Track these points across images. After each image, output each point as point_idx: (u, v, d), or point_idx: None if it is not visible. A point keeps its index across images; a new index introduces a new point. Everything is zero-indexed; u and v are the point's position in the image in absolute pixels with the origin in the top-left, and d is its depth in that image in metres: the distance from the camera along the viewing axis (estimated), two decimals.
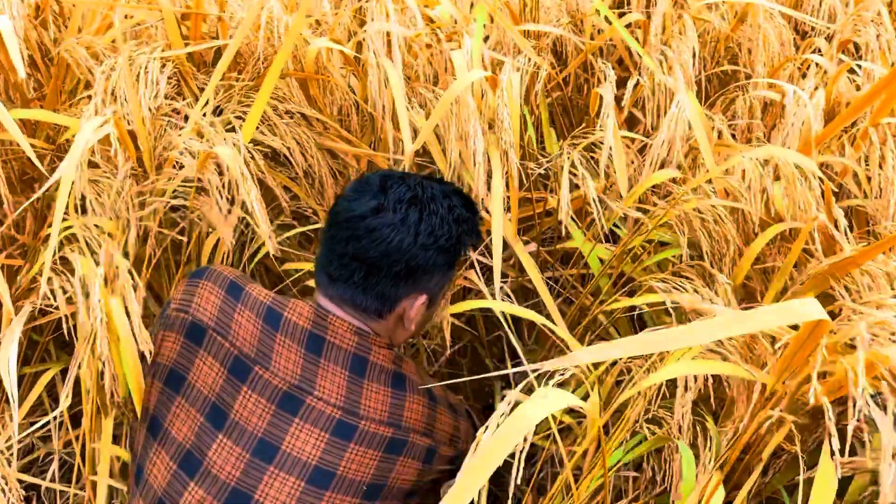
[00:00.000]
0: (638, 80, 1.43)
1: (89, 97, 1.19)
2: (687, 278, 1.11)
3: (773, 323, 0.69)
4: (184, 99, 1.32)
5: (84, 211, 1.18)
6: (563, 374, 0.85)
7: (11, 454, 1.14)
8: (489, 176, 1.24)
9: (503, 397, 0.75)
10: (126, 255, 1.18)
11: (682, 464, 0.97)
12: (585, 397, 0.82)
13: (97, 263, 1.04)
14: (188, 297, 1.11)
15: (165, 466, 1.05)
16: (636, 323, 1.38)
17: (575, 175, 1.27)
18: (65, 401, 1.09)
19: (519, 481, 0.70)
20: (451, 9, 1.45)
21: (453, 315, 1.27)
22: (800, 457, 0.91)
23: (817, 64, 1.48)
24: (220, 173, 1.14)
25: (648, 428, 1.03)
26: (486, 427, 0.69)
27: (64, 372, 1.43)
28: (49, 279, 1.15)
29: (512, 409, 0.68)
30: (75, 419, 1.45)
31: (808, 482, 0.85)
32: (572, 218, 1.33)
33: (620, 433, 1.01)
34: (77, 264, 1.03)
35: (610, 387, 1.10)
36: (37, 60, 1.37)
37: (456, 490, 0.63)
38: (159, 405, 1.09)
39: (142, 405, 1.10)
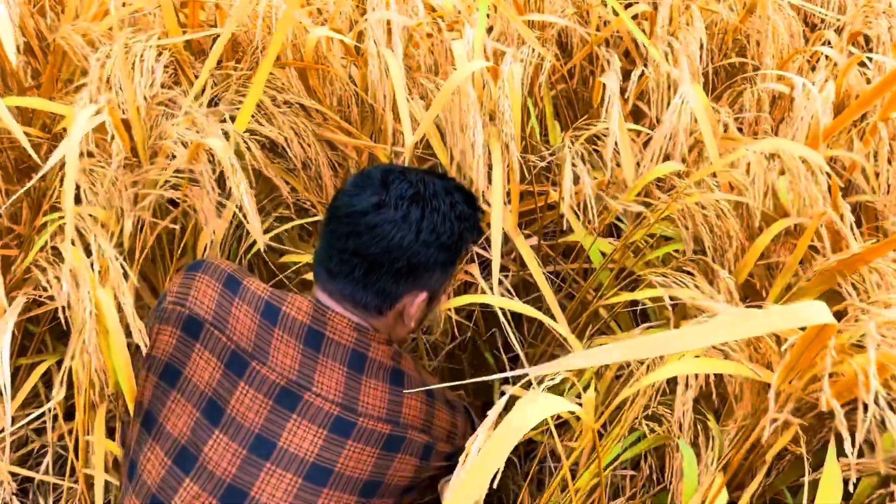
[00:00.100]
0: (643, 70, 1.40)
1: (85, 85, 1.17)
2: (689, 273, 1.09)
3: (778, 326, 0.66)
4: (181, 88, 1.30)
5: (78, 201, 1.17)
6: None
7: (4, 447, 1.13)
8: (490, 168, 1.22)
9: (502, 393, 0.73)
10: (121, 245, 1.17)
11: (682, 463, 0.95)
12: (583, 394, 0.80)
13: (90, 254, 1.02)
14: (185, 290, 1.10)
15: (160, 462, 1.04)
16: (639, 317, 1.36)
17: (578, 167, 1.25)
18: (57, 393, 1.08)
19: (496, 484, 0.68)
20: None
21: (454, 310, 1.25)
22: (805, 458, 0.89)
23: (827, 56, 1.46)
24: (214, 164, 1.13)
25: (647, 425, 1.02)
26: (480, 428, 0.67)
27: (60, 364, 1.41)
28: (44, 269, 1.14)
29: (507, 409, 0.66)
30: (73, 412, 1.44)
31: (814, 483, 0.84)
32: (574, 211, 1.31)
33: (619, 429, 1.00)
34: (67, 254, 1.01)
35: (609, 381, 1.08)
36: (34, 48, 1.36)
37: None
38: (154, 399, 1.07)
39: (136, 399, 1.09)
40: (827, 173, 1.10)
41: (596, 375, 1.15)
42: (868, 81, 1.48)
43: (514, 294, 1.25)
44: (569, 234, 1.41)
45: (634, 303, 1.32)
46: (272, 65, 1.20)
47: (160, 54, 1.23)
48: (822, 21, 1.83)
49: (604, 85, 1.29)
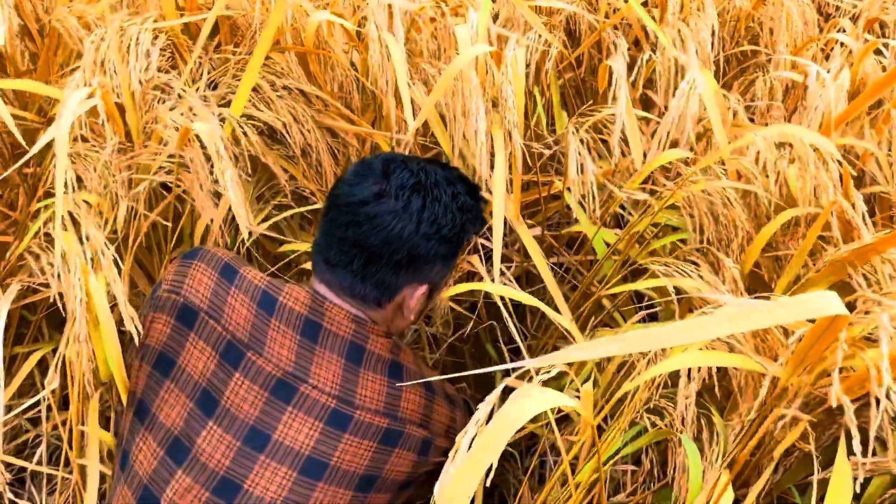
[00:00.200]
0: (650, 54, 1.37)
1: (80, 68, 1.15)
2: (693, 263, 1.06)
3: (786, 318, 0.63)
4: (179, 73, 1.28)
5: (72, 186, 1.15)
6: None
7: None
8: (493, 157, 1.20)
9: (504, 386, 0.71)
10: (115, 232, 1.15)
11: (685, 459, 0.92)
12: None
13: (82, 241, 1.00)
14: (180, 277, 1.08)
15: (152, 452, 1.02)
16: (644, 310, 1.33)
17: (583, 154, 1.23)
18: (51, 382, 1.06)
19: (490, 480, 0.66)
20: None
21: (456, 301, 1.23)
22: (814, 455, 0.87)
23: (842, 44, 1.42)
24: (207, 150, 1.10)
25: (649, 418, 0.99)
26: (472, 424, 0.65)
27: (56, 353, 1.40)
28: (37, 256, 1.13)
29: (502, 403, 0.64)
30: (68, 401, 1.43)
31: (823, 482, 0.81)
32: (579, 202, 1.28)
33: (619, 423, 0.97)
34: (59, 240, 0.99)
35: (611, 374, 1.05)
36: (31, 31, 1.34)
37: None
38: (147, 389, 1.06)
39: (129, 389, 1.08)
40: (838, 161, 1.06)
41: (598, 369, 1.13)
42: (884, 70, 1.44)
43: (515, 286, 1.23)
44: (573, 225, 1.39)
45: (639, 295, 1.29)
46: (272, 49, 1.18)
47: (156, 37, 1.21)
48: (837, 9, 1.79)
49: (610, 69, 1.26)
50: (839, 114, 1.19)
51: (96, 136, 1.16)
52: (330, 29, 1.35)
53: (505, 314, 1.15)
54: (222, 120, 1.18)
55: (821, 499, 0.80)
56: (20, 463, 1.28)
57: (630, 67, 1.36)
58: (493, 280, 1.18)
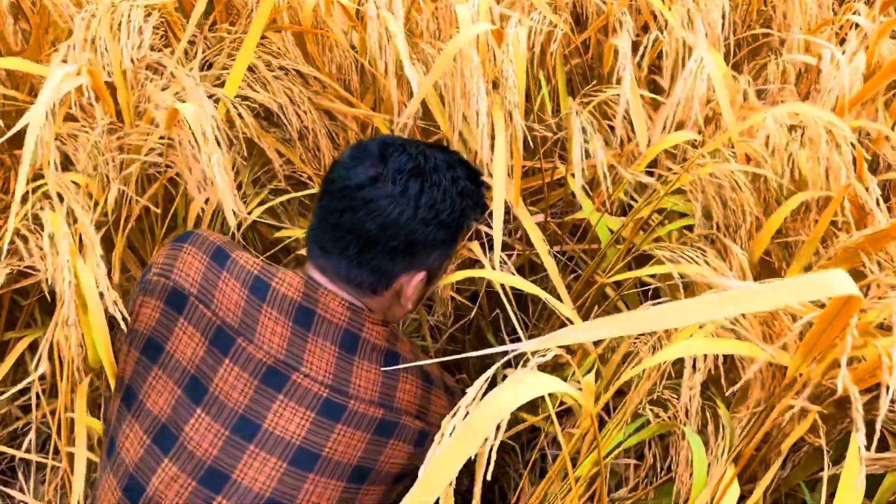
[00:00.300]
0: (657, 34, 1.33)
1: (70, 47, 1.12)
2: (700, 250, 1.02)
3: (796, 298, 0.59)
4: (172, 51, 1.26)
5: (63, 167, 1.13)
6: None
7: None
8: (494, 140, 1.17)
9: (504, 377, 0.68)
10: (106, 214, 1.13)
11: (689, 453, 0.89)
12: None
13: (70, 223, 0.98)
14: (170, 261, 1.06)
15: (139, 440, 1.00)
16: (650, 299, 1.30)
17: (588, 142, 1.19)
18: (37, 369, 1.04)
19: (486, 473, 0.62)
20: None
21: (457, 290, 1.20)
22: (824, 449, 0.83)
23: (857, 26, 1.38)
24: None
25: (652, 410, 0.96)
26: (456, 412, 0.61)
27: None
28: (25, 239, 1.10)
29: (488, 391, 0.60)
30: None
31: (834, 478, 0.78)
32: (584, 188, 1.25)
33: (621, 415, 0.94)
34: (46, 221, 0.97)
35: (615, 365, 1.02)
36: (24, 9, 1.32)
37: (415, 492, 0.56)
38: (135, 375, 1.03)
39: (118, 374, 1.05)
40: (852, 143, 1.02)
41: (602, 361, 1.09)
42: None
43: (516, 274, 1.20)
44: (577, 212, 1.36)
45: (645, 285, 1.26)
46: (268, 28, 1.15)
47: (149, 15, 1.18)
48: None
49: (615, 50, 1.22)
50: (853, 95, 1.15)
51: (87, 117, 1.14)
52: (329, 8, 1.32)
53: (505, 302, 1.12)
54: (216, 101, 1.15)
55: (831, 495, 0.76)
56: (9, 451, 1.26)
57: (637, 49, 1.32)
58: (493, 268, 1.15)
